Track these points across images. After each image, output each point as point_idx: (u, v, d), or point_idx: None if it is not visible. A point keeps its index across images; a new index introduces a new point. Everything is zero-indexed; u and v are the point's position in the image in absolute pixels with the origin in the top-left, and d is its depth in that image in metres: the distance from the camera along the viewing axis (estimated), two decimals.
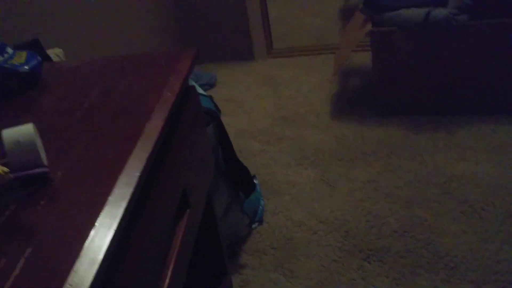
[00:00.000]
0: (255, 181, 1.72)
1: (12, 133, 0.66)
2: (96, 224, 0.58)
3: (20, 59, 0.99)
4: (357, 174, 1.80)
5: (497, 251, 1.40)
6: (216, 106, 1.45)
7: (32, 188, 0.66)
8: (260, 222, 1.64)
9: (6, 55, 0.97)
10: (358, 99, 2.29)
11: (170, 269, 0.80)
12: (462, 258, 1.39)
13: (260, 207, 1.68)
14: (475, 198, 1.59)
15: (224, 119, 1.49)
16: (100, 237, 0.56)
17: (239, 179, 1.51)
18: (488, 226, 1.48)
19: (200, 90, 1.38)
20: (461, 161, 1.77)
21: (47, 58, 1.27)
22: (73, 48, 1.71)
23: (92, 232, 0.57)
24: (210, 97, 1.44)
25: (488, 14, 1.87)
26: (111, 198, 0.62)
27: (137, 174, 0.67)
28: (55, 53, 1.45)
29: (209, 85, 2.63)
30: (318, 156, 1.95)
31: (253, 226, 1.63)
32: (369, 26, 2.01)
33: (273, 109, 2.36)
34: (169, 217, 0.82)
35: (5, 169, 0.62)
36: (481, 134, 1.90)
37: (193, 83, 1.26)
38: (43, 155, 0.69)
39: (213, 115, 1.39)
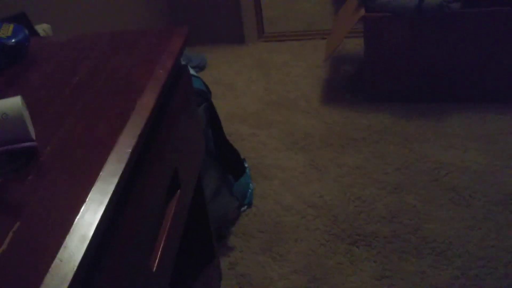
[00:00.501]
0: (245, 164, 1.71)
1: None
2: (87, 200, 0.56)
3: (6, 32, 0.96)
4: (346, 160, 1.80)
5: (483, 237, 1.41)
6: (207, 87, 1.43)
7: (19, 163, 0.64)
8: (249, 205, 1.64)
9: None
10: (349, 86, 2.29)
11: (160, 249, 0.79)
12: (449, 244, 1.40)
13: (249, 190, 1.67)
14: (462, 186, 1.60)
15: (214, 102, 1.46)
16: (91, 213, 0.54)
17: (229, 162, 1.49)
18: (475, 213, 1.50)
19: (192, 71, 1.36)
20: (450, 149, 1.78)
21: (34, 32, 1.23)
22: (60, 24, 1.66)
23: (83, 208, 0.55)
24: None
25: (480, 2, 1.87)
26: (102, 174, 0.60)
27: (129, 150, 0.65)
28: (42, 29, 1.41)
29: (199, 68, 2.60)
30: (308, 141, 1.94)
31: (242, 209, 1.62)
32: (362, 12, 1.99)
33: (263, 93, 2.34)
34: (160, 196, 0.80)
35: None
36: (470, 122, 1.91)
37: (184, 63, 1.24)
38: (31, 129, 0.67)
39: (204, 96, 1.37)
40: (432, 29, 1.91)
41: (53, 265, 0.48)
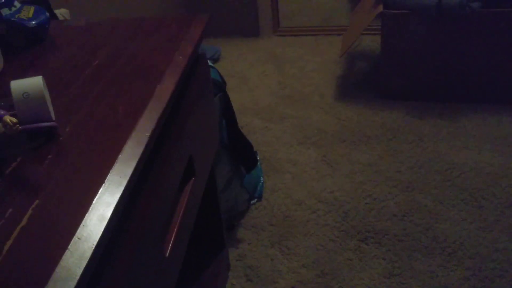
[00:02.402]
0: (256, 157, 1.71)
1: (21, 85, 0.64)
2: (106, 181, 0.56)
3: (27, 14, 0.96)
4: (358, 157, 1.79)
5: (494, 239, 1.40)
6: (222, 78, 1.43)
7: (39, 142, 0.64)
8: (259, 198, 1.64)
9: (13, 9, 0.94)
10: (364, 82, 2.27)
11: (174, 235, 0.80)
12: (459, 245, 1.39)
13: (260, 183, 1.67)
14: (476, 187, 1.59)
15: None
16: (110, 194, 0.55)
17: (242, 154, 1.49)
18: (487, 215, 1.48)
19: (208, 62, 1.35)
20: (464, 149, 1.77)
21: (53, 16, 1.24)
22: (78, 10, 1.67)
23: (101, 189, 0.55)
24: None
25: (502, 2, 1.84)
26: (121, 157, 0.60)
27: (148, 134, 0.65)
28: (60, 13, 1.41)
29: (213, 60, 2.60)
30: (321, 136, 1.93)
31: (252, 201, 1.62)
32: (380, 8, 1.97)
33: (277, 87, 2.33)
34: (175, 182, 0.81)
35: (14, 119, 0.60)
36: (485, 123, 1.89)
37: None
38: (51, 109, 0.67)
39: (219, 87, 1.37)
40: (451, 28, 1.89)
41: (71, 243, 0.48)
